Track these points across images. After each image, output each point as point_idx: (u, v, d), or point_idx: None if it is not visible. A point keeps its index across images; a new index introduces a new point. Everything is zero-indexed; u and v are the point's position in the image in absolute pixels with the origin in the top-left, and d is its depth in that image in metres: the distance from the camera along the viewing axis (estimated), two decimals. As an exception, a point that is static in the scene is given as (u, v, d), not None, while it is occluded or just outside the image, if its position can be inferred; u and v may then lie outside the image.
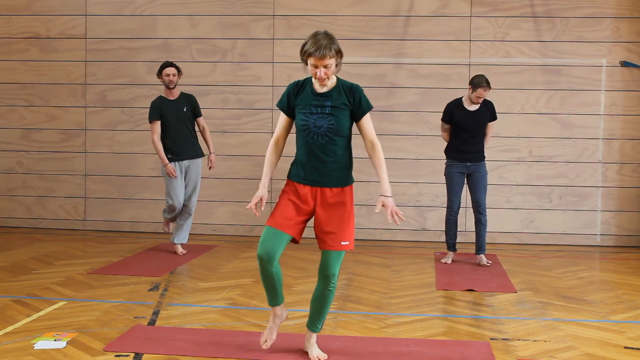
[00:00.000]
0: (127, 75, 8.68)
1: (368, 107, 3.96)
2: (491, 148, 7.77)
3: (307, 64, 3.87)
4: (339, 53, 3.86)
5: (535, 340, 4.53)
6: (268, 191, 4.07)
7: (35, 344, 4.28)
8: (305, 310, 4.61)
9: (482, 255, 6.95)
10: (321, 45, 3.77)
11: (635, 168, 8.26)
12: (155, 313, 5.04)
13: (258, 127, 8.52)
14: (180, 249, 7.24)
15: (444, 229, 7.05)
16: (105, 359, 4.05)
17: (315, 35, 3.84)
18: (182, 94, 7.18)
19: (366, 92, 4.04)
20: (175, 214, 7.18)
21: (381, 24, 8.39)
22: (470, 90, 6.76)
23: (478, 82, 6.69)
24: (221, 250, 7.57)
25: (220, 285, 5.97)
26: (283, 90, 4.21)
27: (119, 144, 8.72)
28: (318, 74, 3.83)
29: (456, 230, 7.01)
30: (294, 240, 3.99)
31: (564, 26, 8.24)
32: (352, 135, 4.02)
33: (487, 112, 6.89)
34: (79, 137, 8.80)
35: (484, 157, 6.94)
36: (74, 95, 8.77)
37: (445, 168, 7.01)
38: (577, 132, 8.27)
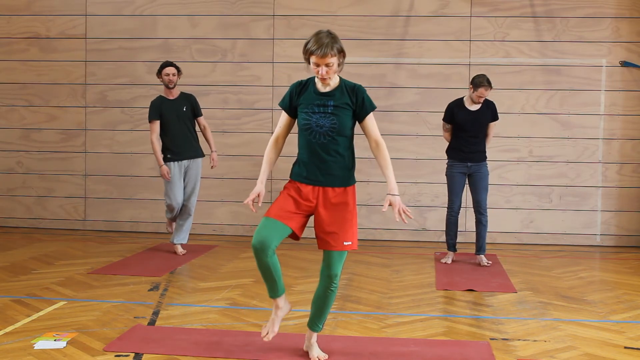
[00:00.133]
0: (127, 75, 8.68)
1: (371, 107, 3.96)
2: (491, 148, 7.75)
3: (309, 62, 3.87)
4: (341, 52, 3.86)
5: (535, 340, 4.53)
6: (267, 191, 4.06)
7: (35, 344, 4.28)
8: (306, 310, 4.61)
9: (482, 256, 6.95)
10: (323, 43, 3.78)
11: (635, 168, 8.26)
12: (155, 313, 5.04)
13: (258, 127, 8.51)
14: (180, 249, 7.24)
15: (444, 229, 7.05)
16: (105, 359, 4.05)
17: (317, 34, 3.84)
18: (182, 93, 7.18)
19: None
20: (175, 214, 7.18)
21: (381, 24, 8.39)
22: (472, 90, 6.75)
23: (479, 82, 6.69)
24: (221, 250, 7.57)
25: (220, 285, 5.96)
26: (283, 90, 4.21)
27: (119, 144, 8.72)
28: (320, 72, 3.84)
29: (456, 231, 7.00)
30: (295, 237, 3.96)
31: (564, 26, 8.24)
32: (354, 135, 4.02)
33: (489, 111, 6.88)
34: (79, 137, 8.80)
35: (486, 158, 6.94)
36: (74, 95, 8.77)
37: (447, 168, 7.00)
38: (577, 132, 8.27)
